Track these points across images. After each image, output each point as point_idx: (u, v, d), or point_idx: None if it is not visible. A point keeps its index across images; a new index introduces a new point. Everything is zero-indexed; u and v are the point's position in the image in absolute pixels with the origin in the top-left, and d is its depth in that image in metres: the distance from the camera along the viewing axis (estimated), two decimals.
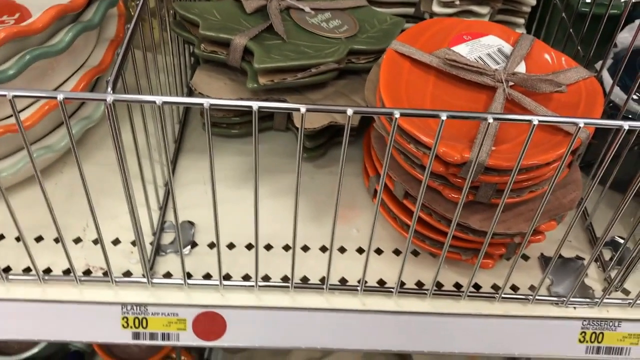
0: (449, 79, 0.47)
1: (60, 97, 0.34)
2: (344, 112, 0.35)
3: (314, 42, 0.52)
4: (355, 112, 0.35)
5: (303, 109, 0.35)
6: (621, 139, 0.37)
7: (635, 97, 0.52)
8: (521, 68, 0.48)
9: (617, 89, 0.52)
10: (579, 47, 0.57)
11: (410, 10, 0.66)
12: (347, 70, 0.54)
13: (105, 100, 0.34)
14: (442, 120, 0.35)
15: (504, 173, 0.41)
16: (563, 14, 0.60)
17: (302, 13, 0.56)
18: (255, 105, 0.35)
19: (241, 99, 0.51)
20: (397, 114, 0.35)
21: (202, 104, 0.35)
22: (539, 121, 0.35)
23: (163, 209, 0.52)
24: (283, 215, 0.53)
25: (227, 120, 0.56)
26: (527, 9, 0.65)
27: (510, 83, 0.45)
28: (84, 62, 0.52)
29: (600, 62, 0.54)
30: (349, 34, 0.54)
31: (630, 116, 0.51)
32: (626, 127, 0.35)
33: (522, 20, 0.66)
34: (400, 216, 0.48)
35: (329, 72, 0.51)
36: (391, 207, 0.49)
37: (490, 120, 0.35)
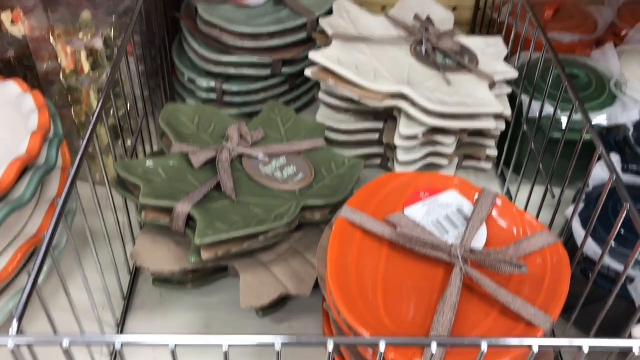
0: (403, 249, 0.44)
1: None
2: (272, 345, 0.32)
3: (266, 198, 0.49)
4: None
5: (225, 346, 0.32)
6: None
7: (612, 245, 0.49)
8: (482, 234, 0.45)
9: (590, 240, 0.49)
10: (549, 187, 0.53)
11: (375, 136, 0.63)
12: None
13: (6, 345, 0.31)
14: (381, 353, 0.31)
15: None
16: (532, 146, 0.57)
17: (256, 161, 0.53)
18: (172, 343, 0.31)
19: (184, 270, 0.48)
20: (330, 346, 0.31)
21: None
22: (489, 345, 0.32)
23: None
24: None
25: (180, 277, 0.52)
26: (497, 133, 0.62)
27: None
28: (21, 231, 0.49)
29: (571, 208, 0.50)
30: (304, 184, 0.51)
31: (605, 272, 0.48)
32: (586, 351, 0.32)
33: (492, 142, 0.63)
34: None
35: (278, 235, 0.48)
36: None
37: (434, 351, 0.31)
